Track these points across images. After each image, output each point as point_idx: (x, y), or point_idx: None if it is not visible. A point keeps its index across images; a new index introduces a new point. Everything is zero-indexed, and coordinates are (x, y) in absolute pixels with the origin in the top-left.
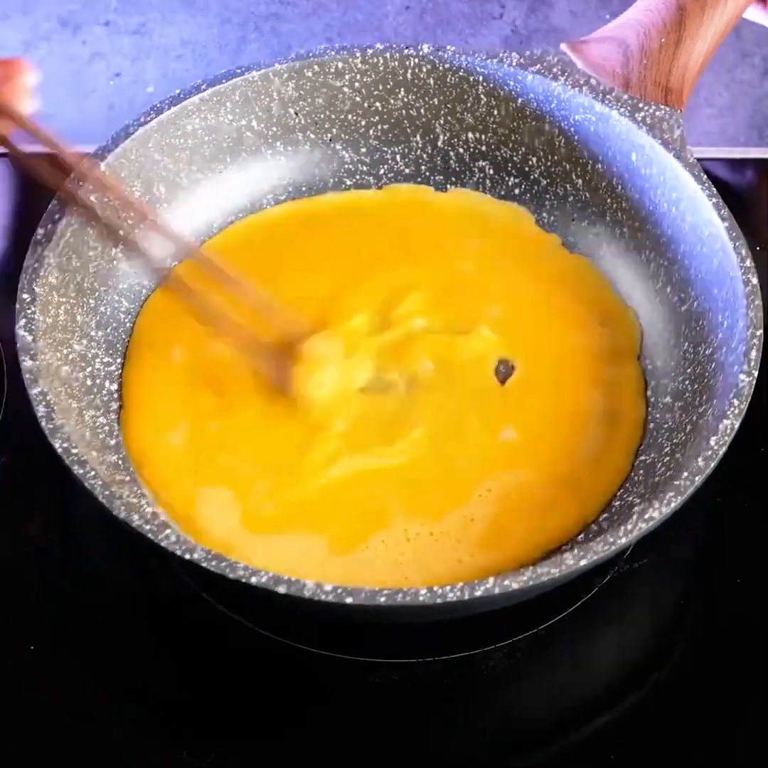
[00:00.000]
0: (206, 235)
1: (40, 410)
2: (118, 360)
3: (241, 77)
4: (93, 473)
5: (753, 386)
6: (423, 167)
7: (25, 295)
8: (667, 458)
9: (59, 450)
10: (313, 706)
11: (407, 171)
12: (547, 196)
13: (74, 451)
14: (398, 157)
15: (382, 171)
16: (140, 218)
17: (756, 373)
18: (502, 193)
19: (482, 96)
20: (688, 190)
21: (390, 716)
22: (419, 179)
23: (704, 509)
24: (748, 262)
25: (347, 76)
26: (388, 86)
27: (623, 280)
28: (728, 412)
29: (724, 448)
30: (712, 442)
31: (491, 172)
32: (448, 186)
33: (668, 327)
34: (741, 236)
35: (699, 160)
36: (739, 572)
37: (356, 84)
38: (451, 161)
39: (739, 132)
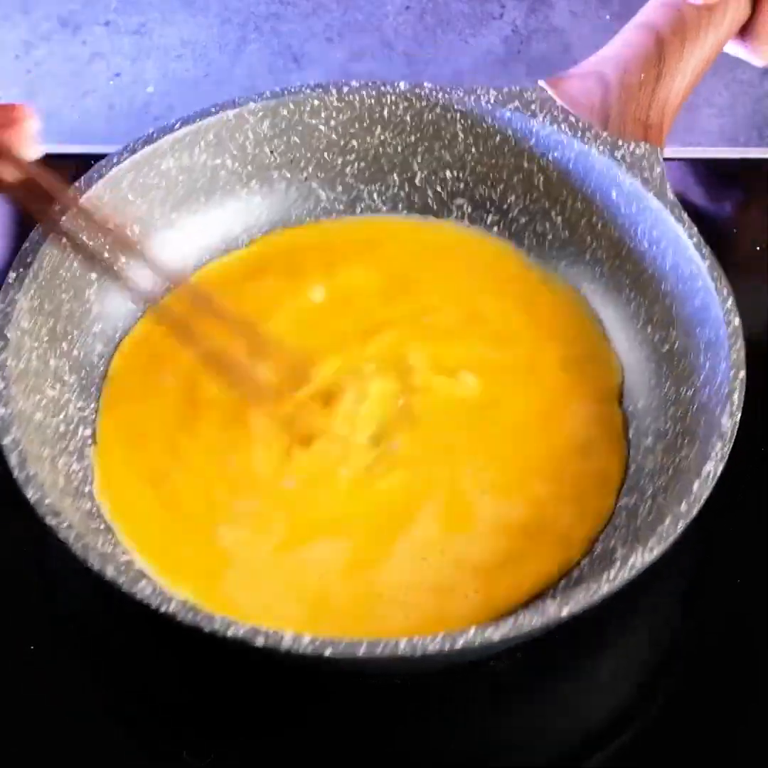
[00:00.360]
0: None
1: (13, 459)
2: (92, 404)
3: (216, 116)
4: (67, 524)
5: (736, 429)
6: (400, 205)
7: None
8: (650, 501)
9: (33, 501)
10: (313, 706)
11: (384, 208)
12: (526, 233)
13: (47, 501)
14: (375, 195)
15: (359, 209)
16: (127, 250)
17: (739, 416)
18: (481, 230)
19: (460, 133)
20: (669, 228)
21: (390, 716)
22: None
23: (704, 509)
24: (730, 303)
25: (323, 114)
26: (365, 124)
27: (604, 319)
28: (711, 455)
29: (707, 492)
30: (695, 487)
31: (469, 209)
32: None
33: (650, 367)
34: (723, 276)
35: (699, 160)
36: (738, 572)
37: (332, 122)
38: (429, 199)
39: (739, 132)
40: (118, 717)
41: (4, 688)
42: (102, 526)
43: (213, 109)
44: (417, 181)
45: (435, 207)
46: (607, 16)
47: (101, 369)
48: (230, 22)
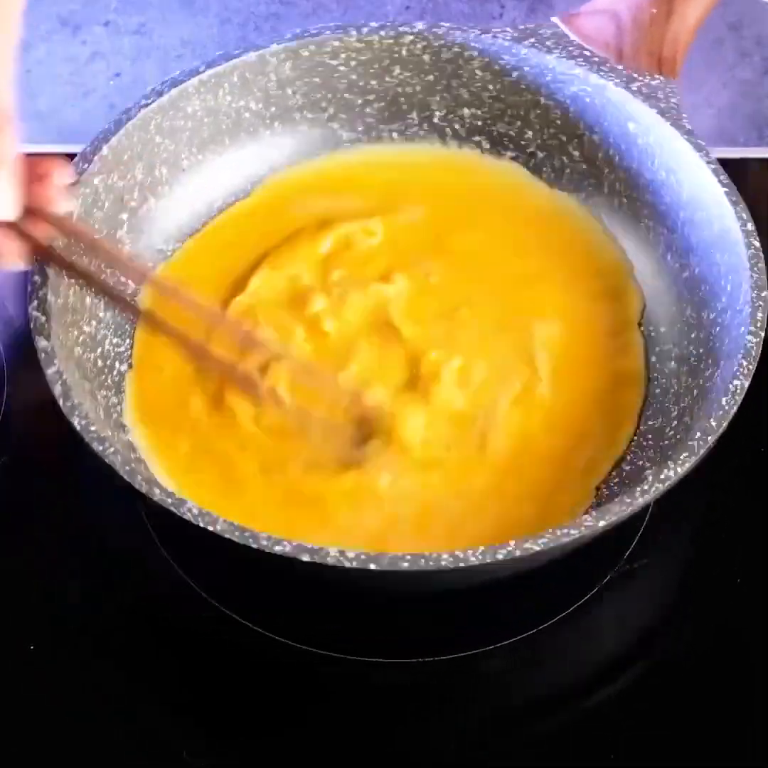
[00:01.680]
0: (207, 215)
1: (57, 389)
2: (127, 341)
3: (239, 58)
4: (113, 449)
5: (760, 346)
6: (420, 143)
7: (36, 277)
8: (675, 422)
9: (78, 427)
10: (313, 706)
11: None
12: (544, 168)
13: (92, 428)
14: (395, 135)
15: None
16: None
17: (763, 334)
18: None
19: (477, 71)
20: (686, 157)
21: (390, 716)
22: None
23: (704, 509)
24: (750, 226)
25: (343, 55)
26: (384, 64)
27: (625, 249)
28: (737, 373)
29: (735, 408)
30: (723, 402)
31: (488, 146)
32: None
33: (671, 294)
34: (741, 200)
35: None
36: (738, 572)
37: (352, 62)
38: (448, 137)
39: (739, 132)
40: (118, 717)
41: (4, 688)
42: (141, 456)
43: (236, 52)
44: (435, 119)
45: (455, 145)
46: None
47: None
48: (230, 22)
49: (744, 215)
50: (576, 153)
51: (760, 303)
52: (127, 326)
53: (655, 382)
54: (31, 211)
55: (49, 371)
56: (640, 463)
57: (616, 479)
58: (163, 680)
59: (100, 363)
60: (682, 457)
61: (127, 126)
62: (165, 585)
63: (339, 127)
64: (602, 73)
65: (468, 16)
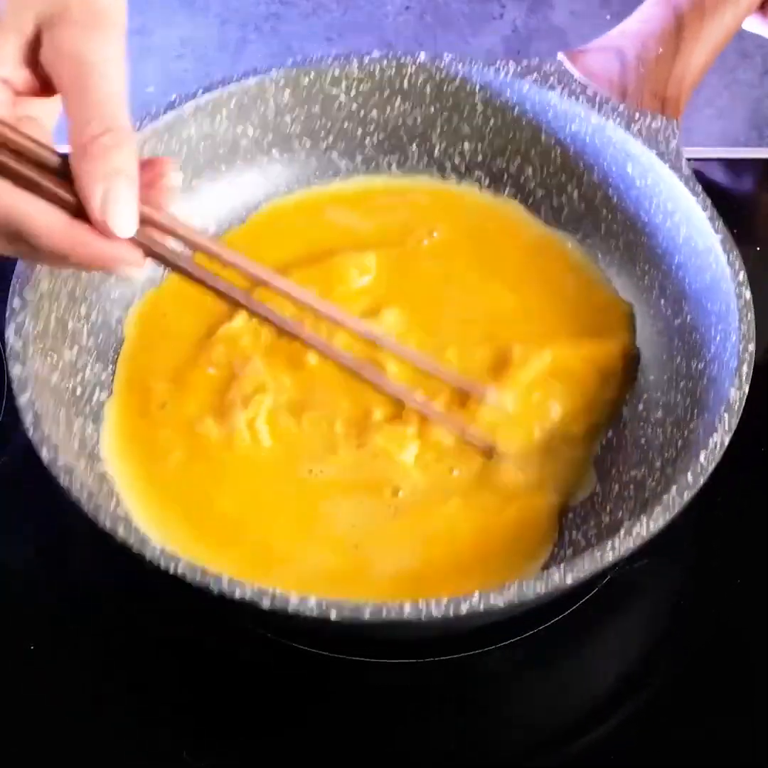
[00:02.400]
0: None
1: (28, 418)
2: (109, 368)
3: (237, 84)
4: (79, 485)
5: (743, 402)
6: (418, 176)
7: (15, 301)
8: (658, 473)
9: (45, 460)
10: (313, 706)
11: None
12: (543, 206)
13: (60, 462)
14: (394, 166)
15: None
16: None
17: (747, 389)
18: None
19: (479, 105)
20: (684, 201)
21: (390, 716)
22: None
23: (704, 509)
24: (742, 276)
25: (343, 84)
26: (385, 94)
27: (619, 291)
28: (718, 427)
29: (713, 464)
30: (702, 458)
31: (487, 182)
32: None
33: (662, 340)
34: (735, 249)
35: (699, 160)
36: (738, 572)
37: (352, 92)
38: (447, 171)
39: (739, 132)
40: (118, 717)
41: (4, 688)
42: (114, 489)
43: (234, 77)
44: (435, 152)
45: (453, 179)
46: (608, 16)
47: (119, 334)
48: (230, 22)
49: (736, 264)
50: (574, 192)
51: (746, 356)
52: (110, 353)
53: (641, 432)
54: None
55: (22, 399)
56: (620, 515)
57: (595, 530)
58: (163, 680)
59: (79, 391)
60: (656, 512)
61: None
62: (164, 585)
63: (337, 156)
64: (603, 112)
65: (468, 16)
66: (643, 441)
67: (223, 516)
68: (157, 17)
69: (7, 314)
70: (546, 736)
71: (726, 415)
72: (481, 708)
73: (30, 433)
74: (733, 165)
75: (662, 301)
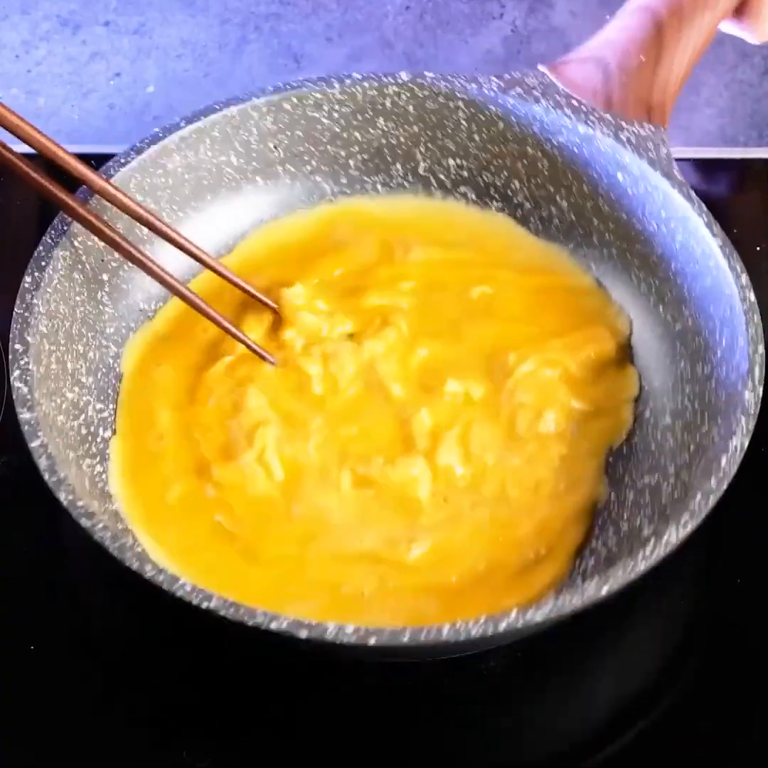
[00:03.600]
0: (189, 273)
1: (42, 463)
2: (110, 406)
3: (220, 113)
4: (101, 525)
5: (759, 404)
6: (404, 195)
7: (17, 346)
8: (673, 479)
9: (65, 503)
10: (313, 706)
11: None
12: (531, 219)
13: (80, 504)
14: (379, 187)
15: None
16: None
17: (761, 391)
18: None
19: (463, 121)
20: (678, 208)
21: (390, 716)
22: None
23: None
24: (744, 279)
25: (326, 107)
26: (368, 115)
27: (614, 299)
28: (736, 430)
29: (735, 467)
30: (723, 462)
31: (474, 197)
32: None
33: (663, 346)
34: (734, 252)
35: (699, 160)
36: (739, 572)
37: (335, 114)
38: (433, 188)
39: (739, 132)
40: (118, 717)
41: (4, 689)
42: (129, 526)
43: (217, 106)
44: (421, 170)
45: (439, 196)
46: (607, 16)
47: (117, 370)
48: (230, 22)
49: (738, 267)
50: (564, 203)
51: (757, 358)
52: (109, 391)
53: (651, 438)
54: None
55: (34, 444)
56: (637, 522)
57: (614, 538)
58: (163, 680)
59: (83, 431)
60: (683, 519)
61: None
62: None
63: (322, 179)
64: (590, 123)
65: (468, 16)
66: (653, 447)
67: (238, 543)
68: (157, 17)
69: (10, 359)
70: (546, 735)
71: (743, 418)
72: (481, 709)
73: (46, 476)
74: (732, 165)
75: (661, 307)
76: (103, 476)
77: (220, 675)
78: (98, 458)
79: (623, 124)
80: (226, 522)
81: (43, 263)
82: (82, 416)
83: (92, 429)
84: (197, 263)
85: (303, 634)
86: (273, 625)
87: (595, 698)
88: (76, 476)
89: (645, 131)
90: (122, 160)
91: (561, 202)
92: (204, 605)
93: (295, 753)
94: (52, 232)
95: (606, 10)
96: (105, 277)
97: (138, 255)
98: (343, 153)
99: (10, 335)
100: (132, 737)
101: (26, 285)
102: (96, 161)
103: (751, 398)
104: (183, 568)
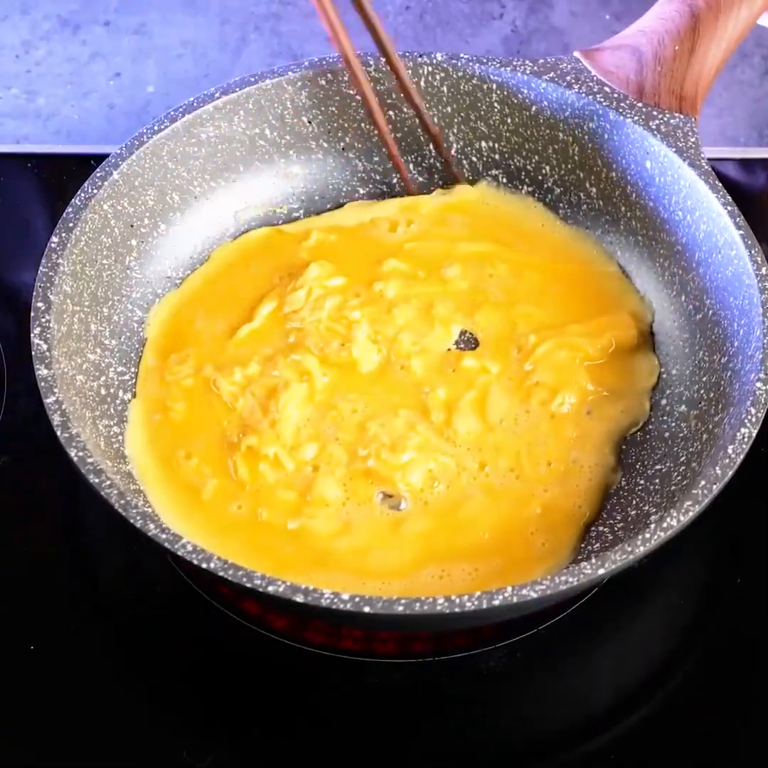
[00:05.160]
0: (219, 242)
1: (56, 419)
2: (132, 369)
3: (255, 85)
4: (109, 483)
5: None
6: (436, 176)
7: (40, 304)
8: (683, 467)
9: (75, 459)
10: (313, 705)
11: (420, 180)
12: (561, 204)
13: (89, 460)
14: (411, 166)
15: (395, 180)
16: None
17: None
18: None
19: (496, 104)
20: (703, 198)
21: (390, 716)
22: (432, 188)
23: (707, 508)
24: (764, 270)
25: None
26: (402, 94)
27: (638, 287)
28: (745, 421)
29: (741, 456)
30: (730, 451)
31: (504, 180)
32: None
33: (683, 335)
34: (756, 244)
35: None
36: (740, 572)
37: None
38: (465, 170)
39: (739, 132)
40: (118, 717)
41: (4, 689)
42: (140, 488)
43: (252, 79)
44: (453, 151)
45: (470, 178)
46: (607, 17)
47: (141, 335)
48: (230, 22)
49: (759, 259)
50: (593, 189)
51: None
52: (132, 355)
53: (665, 426)
54: None
55: (49, 401)
56: (646, 508)
57: (621, 523)
58: (164, 680)
59: (103, 391)
60: (685, 505)
61: (139, 151)
62: (165, 585)
63: (355, 156)
64: (621, 110)
65: (468, 16)
66: (667, 435)
67: (245, 514)
68: (157, 17)
69: (31, 316)
70: (547, 735)
71: (752, 409)
72: (481, 708)
73: (58, 433)
74: (732, 165)
75: (683, 297)
76: (120, 437)
77: (220, 675)
78: (116, 419)
79: (654, 112)
80: (237, 489)
81: (70, 225)
82: (103, 377)
83: (112, 391)
84: (235, 226)
85: (299, 598)
86: (270, 589)
87: (594, 698)
88: (91, 435)
89: (675, 120)
90: (155, 128)
91: (590, 188)
92: (204, 565)
93: (295, 753)
94: (82, 194)
95: (606, 10)
96: (133, 242)
97: None
98: (376, 131)
99: (34, 293)
100: (132, 737)
101: (53, 245)
102: (96, 161)
103: (762, 388)
104: (192, 531)
